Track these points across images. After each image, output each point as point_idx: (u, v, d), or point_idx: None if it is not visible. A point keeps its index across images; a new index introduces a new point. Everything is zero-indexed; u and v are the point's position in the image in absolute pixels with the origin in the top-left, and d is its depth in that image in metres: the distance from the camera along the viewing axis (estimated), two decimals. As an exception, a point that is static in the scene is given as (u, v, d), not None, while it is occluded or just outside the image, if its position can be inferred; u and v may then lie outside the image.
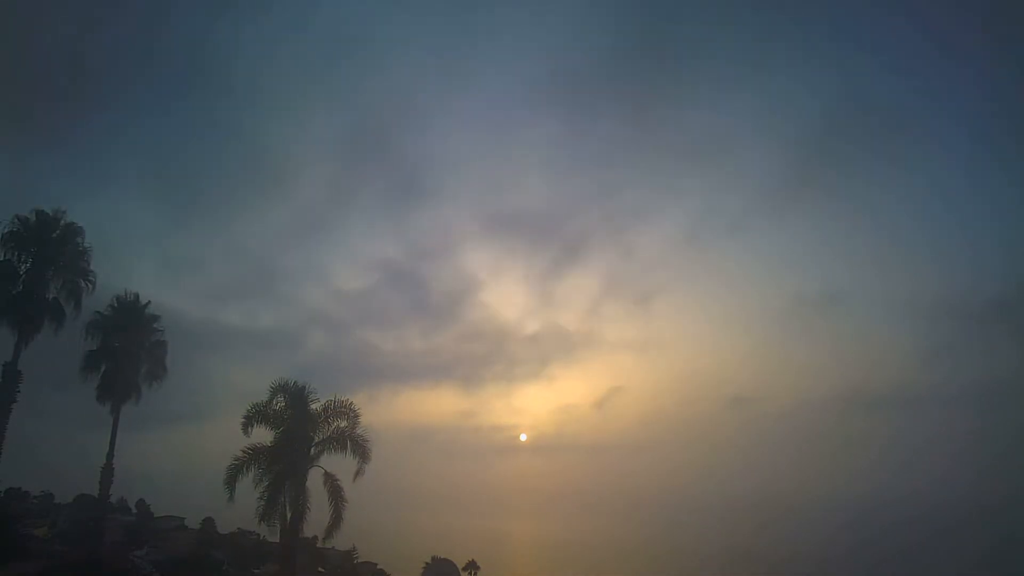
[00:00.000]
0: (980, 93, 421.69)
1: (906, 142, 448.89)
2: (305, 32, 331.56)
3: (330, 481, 23.52)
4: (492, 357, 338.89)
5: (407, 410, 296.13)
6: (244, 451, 23.03)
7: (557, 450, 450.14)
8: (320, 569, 48.12)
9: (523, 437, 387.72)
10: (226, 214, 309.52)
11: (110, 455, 32.44)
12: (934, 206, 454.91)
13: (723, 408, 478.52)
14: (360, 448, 23.70)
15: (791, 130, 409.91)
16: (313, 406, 24.21)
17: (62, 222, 30.56)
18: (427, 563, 52.08)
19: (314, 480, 23.63)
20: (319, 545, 44.37)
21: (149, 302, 34.11)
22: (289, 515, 23.15)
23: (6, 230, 29.31)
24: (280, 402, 24.01)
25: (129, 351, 32.45)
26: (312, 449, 23.91)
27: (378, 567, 55.18)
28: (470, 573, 53.11)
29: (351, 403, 24.47)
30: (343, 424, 24.13)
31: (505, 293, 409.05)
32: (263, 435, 23.75)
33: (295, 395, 24.03)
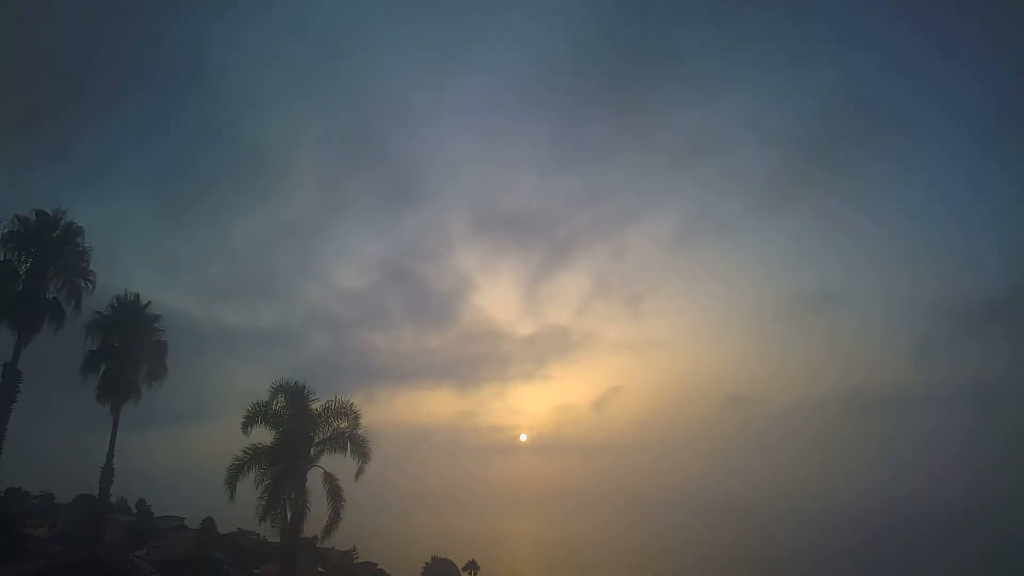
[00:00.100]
0: (977, 92, 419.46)
1: (903, 141, 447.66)
2: (302, 33, 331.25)
3: (330, 481, 23.55)
4: (490, 357, 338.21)
5: (406, 410, 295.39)
6: (244, 451, 23.08)
7: (556, 450, 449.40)
8: (320, 569, 48.11)
9: (523, 437, 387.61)
10: (225, 214, 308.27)
11: (110, 455, 32.45)
12: (931, 206, 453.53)
13: (721, 408, 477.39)
14: (360, 448, 23.73)
15: (788, 129, 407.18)
16: (313, 406, 24.24)
17: (62, 222, 30.53)
18: (427, 563, 52.15)
19: (314, 480, 23.70)
20: (319, 545, 44.39)
21: (149, 302, 34.18)
22: (289, 515, 23.18)
23: (6, 230, 29.31)
24: (280, 402, 24.04)
25: (129, 351, 32.46)
26: (312, 449, 23.94)
27: (378, 567, 55.21)
28: (470, 573, 53.16)
29: (351, 403, 24.54)
30: (343, 424, 24.17)
31: (502, 294, 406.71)
32: (263, 435, 23.82)
33: (295, 395, 24.05)
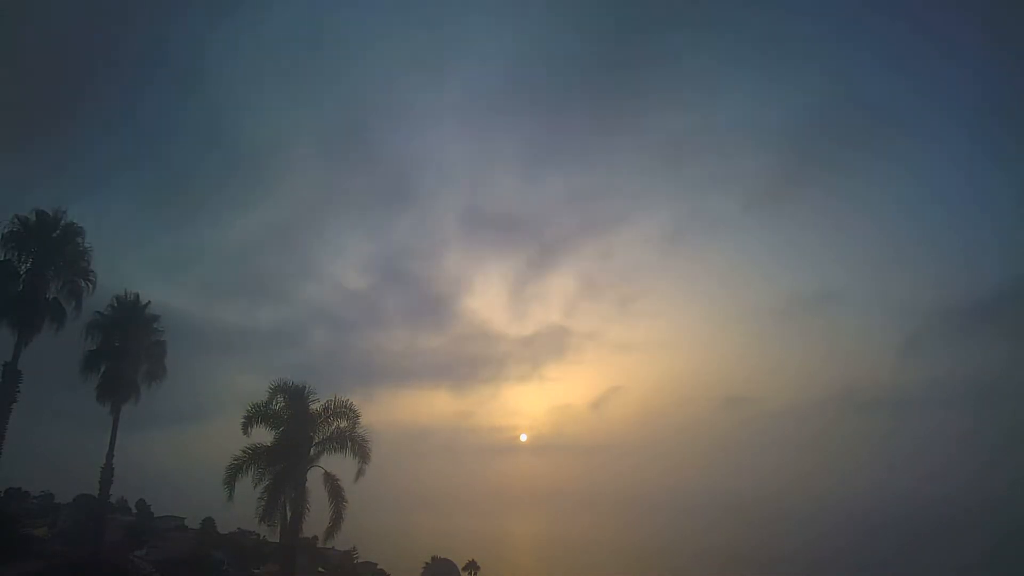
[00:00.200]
0: (975, 92, 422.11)
1: (900, 141, 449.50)
2: (297, 37, 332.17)
3: (330, 481, 23.50)
4: (488, 358, 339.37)
5: (405, 410, 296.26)
6: (244, 451, 23.02)
7: (555, 450, 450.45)
8: (320, 569, 48.12)
9: (523, 437, 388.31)
10: (224, 214, 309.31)
11: (110, 455, 32.38)
12: (928, 205, 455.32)
13: (719, 408, 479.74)
14: (360, 448, 23.67)
15: (785, 129, 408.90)
16: (313, 406, 24.18)
17: (62, 222, 30.44)
18: (427, 563, 52.20)
19: (314, 480, 23.64)
20: (319, 545, 44.39)
21: (149, 302, 34.10)
22: (289, 515, 23.14)
23: (6, 230, 29.24)
24: (280, 402, 23.99)
25: (129, 351, 32.40)
26: (312, 449, 23.88)
27: (378, 567, 55.27)
28: (470, 573, 53.20)
29: (351, 403, 24.45)
30: (343, 424, 24.10)
31: (500, 295, 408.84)
32: (263, 435, 23.77)
33: (295, 395, 24.00)
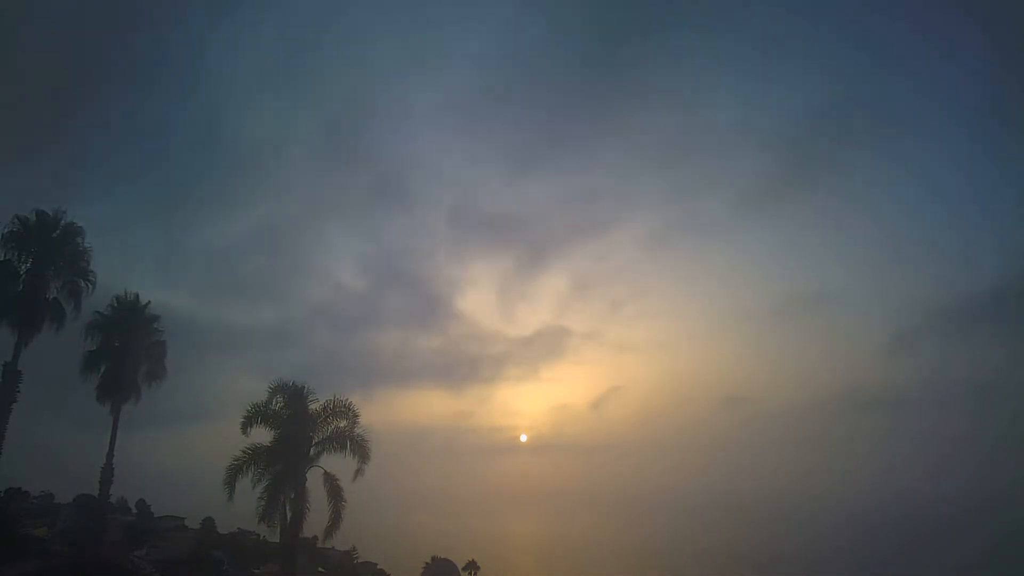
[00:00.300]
0: (972, 91, 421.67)
1: (898, 140, 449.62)
2: (297, 35, 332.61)
3: (330, 481, 23.50)
4: (488, 358, 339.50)
5: (405, 410, 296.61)
6: (243, 451, 23.01)
7: (555, 450, 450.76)
8: (320, 569, 48.13)
9: (523, 438, 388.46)
10: (225, 213, 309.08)
11: (110, 455, 32.36)
12: (926, 205, 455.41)
13: (718, 408, 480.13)
14: (360, 448, 23.66)
15: (783, 129, 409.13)
16: (312, 406, 24.17)
17: (62, 222, 30.47)
18: (427, 563, 52.20)
19: (314, 480, 23.63)
20: (319, 545, 44.39)
21: (149, 302, 34.09)
22: (289, 515, 23.14)
23: (6, 230, 29.25)
24: (279, 402, 23.97)
25: (129, 351, 32.41)
26: (311, 449, 23.87)
27: (378, 567, 55.29)
28: (470, 573, 53.22)
29: (350, 403, 24.43)
30: (342, 424, 24.08)
31: (500, 294, 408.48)
32: (263, 435, 23.77)
33: (294, 395, 23.99)
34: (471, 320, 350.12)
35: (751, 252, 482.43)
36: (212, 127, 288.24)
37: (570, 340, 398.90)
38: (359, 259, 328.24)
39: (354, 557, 53.89)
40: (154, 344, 33.76)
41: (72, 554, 31.58)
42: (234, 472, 22.63)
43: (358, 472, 23.46)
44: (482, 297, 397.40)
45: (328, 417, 24.03)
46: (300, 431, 23.70)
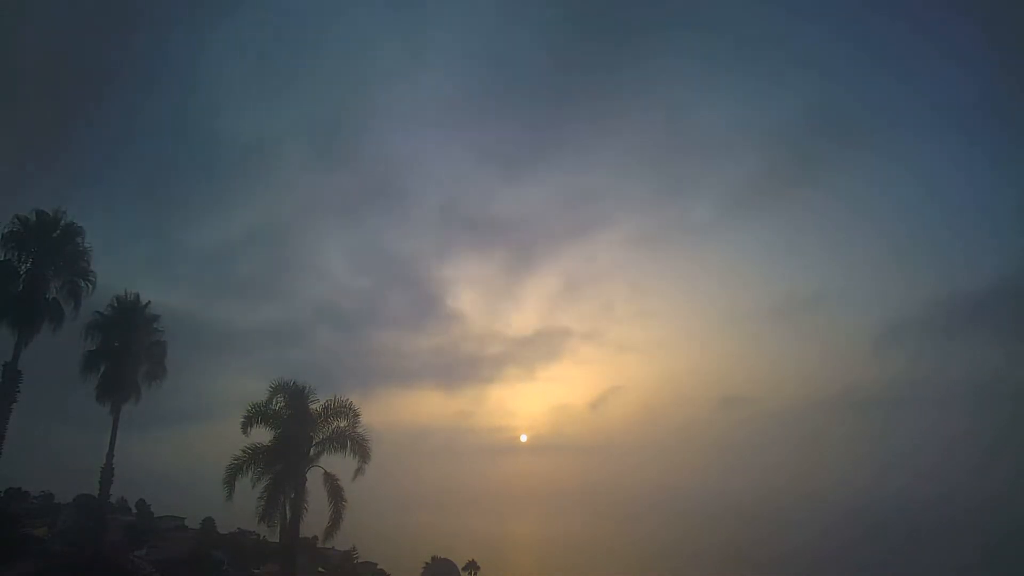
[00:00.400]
0: (969, 90, 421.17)
1: (898, 140, 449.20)
2: (296, 35, 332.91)
3: (330, 481, 23.52)
4: (488, 358, 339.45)
5: (405, 411, 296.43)
6: (243, 451, 23.02)
7: (555, 450, 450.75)
8: (320, 569, 48.15)
9: (523, 438, 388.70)
10: (226, 213, 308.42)
11: (110, 455, 32.41)
12: (924, 205, 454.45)
13: (716, 407, 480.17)
14: (360, 448, 23.68)
15: (782, 129, 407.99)
16: (313, 406, 24.18)
17: (62, 222, 30.49)
18: (427, 563, 52.22)
19: (314, 480, 23.66)
20: (319, 545, 44.42)
21: (149, 302, 34.16)
22: (289, 515, 23.16)
23: (6, 230, 29.26)
24: (279, 402, 23.99)
25: (129, 351, 32.45)
26: (312, 449, 23.88)
27: (378, 567, 55.29)
28: (470, 573, 53.25)
29: (351, 403, 24.45)
30: (343, 424, 24.10)
31: (499, 295, 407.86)
32: (263, 435, 23.78)
33: (295, 395, 24.00)
34: (470, 320, 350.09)
35: (750, 252, 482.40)
36: (212, 127, 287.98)
37: (569, 340, 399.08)
38: (359, 259, 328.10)
39: (354, 557, 53.87)
40: (154, 344, 33.81)
41: (72, 554, 31.57)
42: (234, 471, 22.64)
43: (358, 472, 23.49)
44: (482, 297, 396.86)
45: (328, 417, 24.05)
46: (300, 431, 23.71)
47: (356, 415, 24.16)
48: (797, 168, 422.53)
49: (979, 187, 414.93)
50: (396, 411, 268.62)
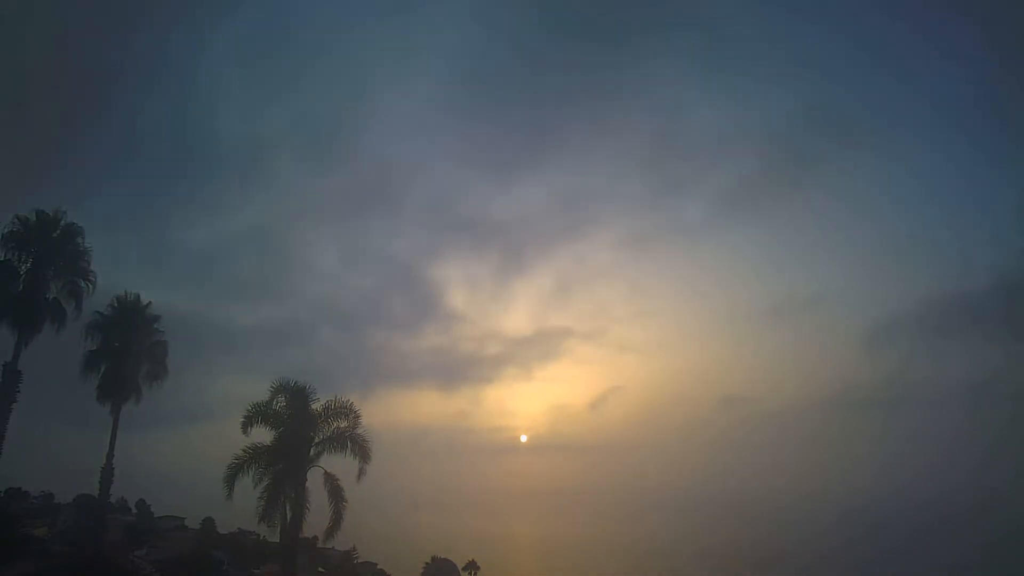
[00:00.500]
0: (968, 90, 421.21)
1: (895, 138, 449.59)
2: (295, 36, 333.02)
3: (330, 481, 23.53)
4: (487, 358, 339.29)
5: (405, 411, 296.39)
6: (244, 451, 23.03)
7: (554, 450, 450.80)
8: (320, 569, 48.13)
9: (523, 438, 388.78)
10: (226, 213, 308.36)
11: (110, 455, 32.43)
12: (923, 205, 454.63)
13: (715, 407, 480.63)
14: (360, 448, 23.68)
15: (781, 128, 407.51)
16: (313, 406, 24.19)
17: (62, 222, 30.53)
18: (427, 563, 52.17)
19: (314, 480, 23.67)
20: (319, 545, 44.41)
21: (150, 302, 34.20)
22: (289, 515, 23.16)
23: (6, 230, 29.29)
24: (280, 402, 24.01)
25: (129, 351, 32.47)
26: (312, 449, 23.89)
27: (378, 567, 55.26)
28: (470, 573, 53.23)
29: (351, 403, 24.46)
30: (343, 424, 24.11)
31: (499, 295, 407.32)
32: (263, 435, 23.79)
33: (296, 395, 24.02)
34: (470, 320, 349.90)
35: (749, 252, 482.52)
36: (211, 127, 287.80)
37: (569, 340, 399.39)
38: (359, 260, 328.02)
39: (354, 557, 53.84)
40: (155, 344, 33.83)
41: (72, 554, 31.59)
42: (234, 471, 22.65)
43: (361, 473, 23.51)
44: (481, 297, 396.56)
45: (329, 417, 24.06)
46: (301, 431, 23.72)
47: (357, 416, 24.20)
48: (797, 168, 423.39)
49: (978, 187, 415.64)
50: (396, 411, 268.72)
